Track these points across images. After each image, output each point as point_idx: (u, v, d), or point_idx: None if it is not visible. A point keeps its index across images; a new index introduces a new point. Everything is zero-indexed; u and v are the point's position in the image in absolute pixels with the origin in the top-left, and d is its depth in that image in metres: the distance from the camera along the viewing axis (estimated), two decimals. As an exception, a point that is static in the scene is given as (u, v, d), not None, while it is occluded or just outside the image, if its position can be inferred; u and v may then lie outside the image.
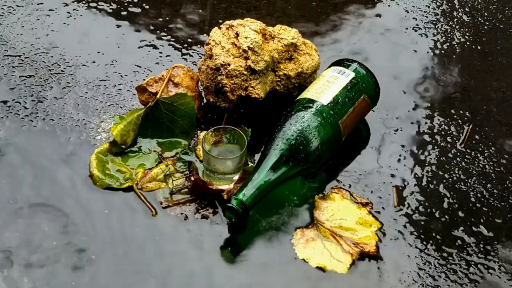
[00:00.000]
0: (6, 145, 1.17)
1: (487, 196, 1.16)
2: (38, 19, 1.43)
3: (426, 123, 1.28)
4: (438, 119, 1.29)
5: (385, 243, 1.07)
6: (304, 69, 1.23)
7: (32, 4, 1.47)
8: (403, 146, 1.23)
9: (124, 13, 1.47)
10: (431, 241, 1.08)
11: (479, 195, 1.16)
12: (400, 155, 1.21)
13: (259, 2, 1.54)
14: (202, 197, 1.10)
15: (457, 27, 1.51)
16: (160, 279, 1.00)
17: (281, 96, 1.25)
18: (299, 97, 1.18)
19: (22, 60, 1.33)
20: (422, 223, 1.11)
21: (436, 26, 1.51)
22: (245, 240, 1.07)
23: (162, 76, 1.21)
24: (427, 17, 1.53)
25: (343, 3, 1.55)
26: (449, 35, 1.48)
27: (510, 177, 1.19)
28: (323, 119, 1.12)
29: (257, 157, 1.16)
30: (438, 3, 1.57)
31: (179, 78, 1.21)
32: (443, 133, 1.26)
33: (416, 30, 1.49)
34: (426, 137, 1.25)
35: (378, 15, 1.53)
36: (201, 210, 1.09)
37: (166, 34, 1.42)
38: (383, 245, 1.07)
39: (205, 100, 1.25)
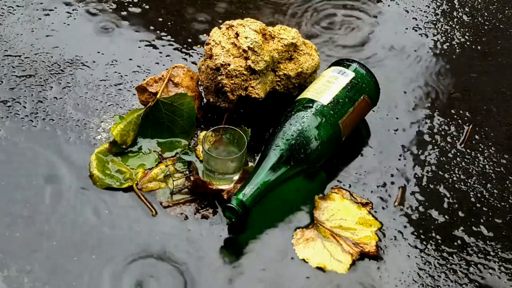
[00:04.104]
0: (6, 145, 1.17)
1: (487, 196, 1.16)
2: (38, 19, 1.43)
3: (426, 123, 1.28)
4: (438, 119, 1.29)
5: (385, 243, 1.07)
6: (304, 69, 1.23)
7: (32, 4, 1.47)
8: (403, 146, 1.23)
9: (124, 13, 1.47)
10: (431, 241, 1.08)
11: (479, 195, 1.16)
12: (400, 155, 1.21)
13: (259, 2, 1.53)
14: (202, 197, 1.10)
15: (457, 27, 1.51)
16: (160, 280, 1.00)
17: (281, 96, 1.25)
18: (299, 97, 1.18)
19: (22, 60, 1.33)
20: (422, 223, 1.11)
21: (436, 26, 1.51)
22: (245, 240, 1.07)
23: (162, 76, 1.21)
24: (427, 17, 1.53)
25: (343, 3, 1.55)
26: (449, 35, 1.48)
27: (510, 177, 1.19)
28: (323, 119, 1.12)
29: (257, 157, 1.16)
30: (438, 3, 1.57)
31: (179, 78, 1.21)
32: (443, 133, 1.26)
33: (416, 30, 1.49)
34: (426, 137, 1.25)
35: (378, 15, 1.53)
36: (201, 210, 1.09)
37: (166, 34, 1.42)
38: (383, 245, 1.07)
39: (205, 100, 1.25)
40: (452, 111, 1.31)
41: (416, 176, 1.18)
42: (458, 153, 1.23)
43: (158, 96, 1.18)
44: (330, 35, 1.46)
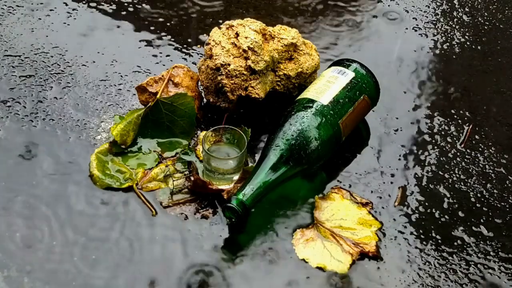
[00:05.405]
0: (6, 145, 1.17)
1: (487, 196, 1.16)
2: (38, 19, 1.43)
3: (426, 123, 1.28)
4: (438, 119, 1.29)
5: (385, 243, 1.07)
6: (304, 69, 1.23)
7: (32, 4, 1.47)
8: (403, 146, 1.23)
9: (124, 13, 1.47)
10: (431, 241, 1.08)
11: (479, 195, 1.16)
12: (400, 155, 1.21)
13: (259, 2, 1.54)
14: (202, 197, 1.10)
15: (457, 27, 1.51)
16: (160, 279, 1.00)
17: (281, 96, 1.25)
18: (299, 97, 1.18)
19: (22, 60, 1.33)
20: (422, 223, 1.11)
21: (436, 26, 1.51)
22: (245, 240, 1.07)
23: (162, 76, 1.21)
24: (427, 17, 1.53)
25: (343, 3, 1.55)
26: (449, 35, 1.48)
27: (510, 177, 1.19)
28: (323, 119, 1.12)
29: (257, 157, 1.16)
30: (438, 3, 1.57)
31: (179, 78, 1.21)
32: (443, 133, 1.26)
33: (416, 30, 1.49)
34: (426, 137, 1.25)
35: (379, 15, 1.53)
36: (201, 210, 1.09)
37: (166, 34, 1.42)
38: (383, 245, 1.07)
39: (205, 100, 1.25)
40: (452, 111, 1.31)
41: (416, 176, 1.18)
42: (458, 153, 1.23)
43: (158, 96, 1.18)
44: (330, 34, 1.46)
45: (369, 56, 1.40)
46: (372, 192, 1.15)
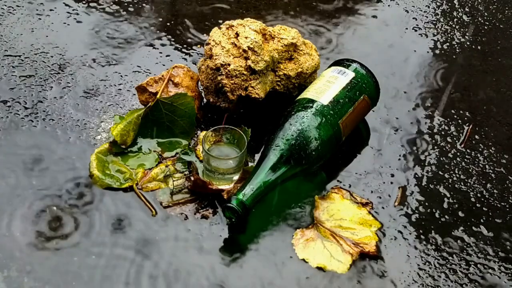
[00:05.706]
0: (6, 145, 1.17)
1: (487, 196, 1.16)
2: (38, 19, 1.43)
3: (426, 123, 1.28)
4: (438, 119, 1.29)
5: (385, 243, 1.07)
6: (304, 69, 1.23)
7: (32, 4, 1.47)
8: (403, 146, 1.23)
9: (124, 13, 1.47)
10: (431, 241, 1.08)
11: (479, 195, 1.16)
12: (400, 155, 1.21)
13: (259, 2, 1.54)
14: (202, 197, 1.10)
15: (457, 27, 1.51)
16: (160, 279, 1.00)
17: (281, 96, 1.25)
18: (299, 97, 1.18)
19: (22, 60, 1.33)
20: (422, 223, 1.11)
21: (436, 26, 1.51)
22: (245, 240, 1.07)
23: (162, 76, 1.21)
24: (427, 17, 1.53)
25: (344, 3, 1.55)
26: (449, 35, 1.48)
27: (510, 177, 1.19)
28: (323, 119, 1.12)
29: (257, 157, 1.16)
30: (438, 3, 1.57)
31: (179, 78, 1.21)
32: (443, 133, 1.26)
33: (416, 30, 1.49)
34: (426, 137, 1.25)
35: (378, 15, 1.53)
36: (201, 210, 1.09)
37: (166, 34, 1.42)
38: (383, 245, 1.07)
39: (205, 100, 1.25)
40: (452, 111, 1.31)
41: (416, 176, 1.18)
42: (458, 153, 1.23)
43: (158, 96, 1.18)
44: (330, 35, 1.46)
45: (369, 56, 1.41)
46: (372, 192, 1.15)
